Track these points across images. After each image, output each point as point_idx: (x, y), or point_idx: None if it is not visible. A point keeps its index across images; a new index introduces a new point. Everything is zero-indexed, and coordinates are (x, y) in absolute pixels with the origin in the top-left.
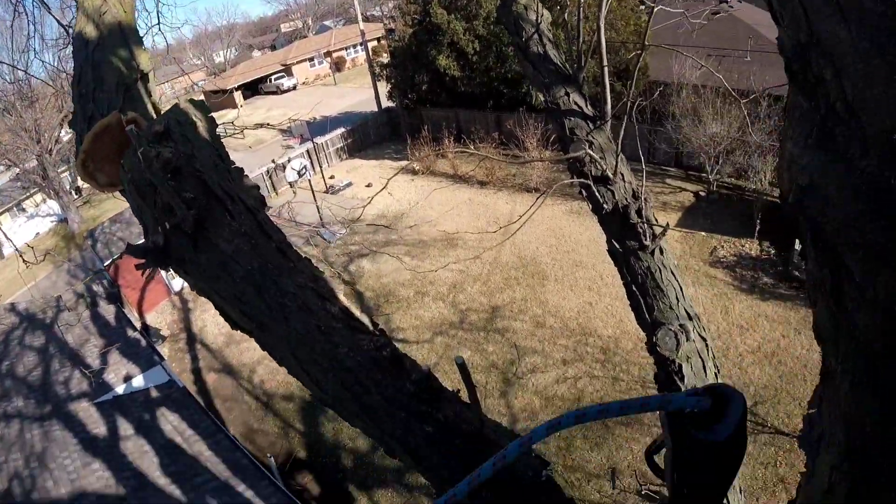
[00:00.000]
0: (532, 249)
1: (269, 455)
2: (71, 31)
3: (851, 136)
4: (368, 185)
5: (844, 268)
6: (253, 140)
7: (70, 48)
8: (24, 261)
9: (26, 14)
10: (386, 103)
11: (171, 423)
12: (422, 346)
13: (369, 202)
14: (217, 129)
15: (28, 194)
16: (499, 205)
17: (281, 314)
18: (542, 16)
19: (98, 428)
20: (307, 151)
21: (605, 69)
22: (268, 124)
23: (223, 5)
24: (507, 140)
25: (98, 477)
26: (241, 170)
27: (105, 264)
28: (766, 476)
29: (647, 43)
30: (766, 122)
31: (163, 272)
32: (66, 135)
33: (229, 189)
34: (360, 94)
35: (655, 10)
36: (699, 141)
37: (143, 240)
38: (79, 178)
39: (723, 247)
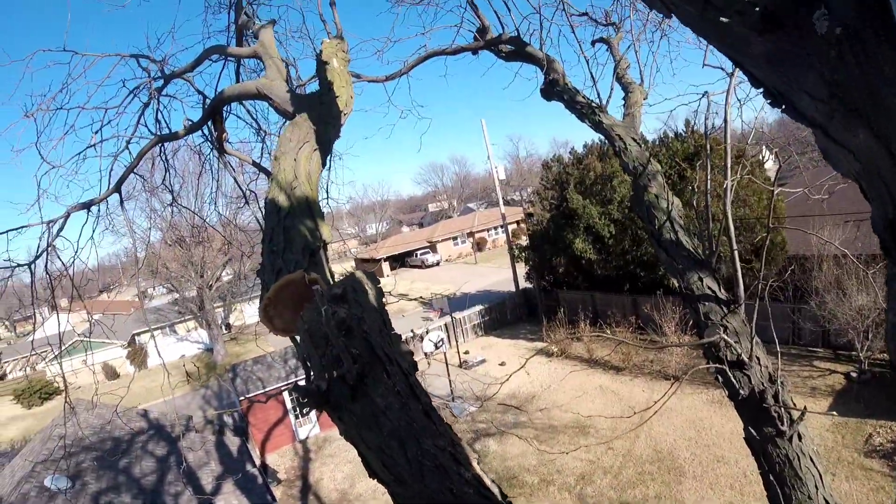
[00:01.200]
0: (669, 442)
1: None
2: (247, 191)
3: None
4: (502, 364)
5: None
6: (395, 308)
7: (242, 203)
8: (187, 374)
9: (212, 171)
10: (523, 284)
11: None
12: None
13: (506, 380)
14: (384, 298)
15: (182, 319)
16: (634, 392)
17: (419, 471)
18: (673, 203)
19: None
20: (445, 325)
21: (735, 253)
22: (420, 299)
23: (379, 182)
24: (645, 324)
25: None
26: (399, 336)
27: (240, 398)
28: None
29: (774, 224)
30: None
31: (291, 418)
32: (227, 276)
33: (389, 352)
34: (499, 273)
35: (777, 192)
36: (846, 316)
37: (304, 383)
38: (259, 319)
39: (878, 433)
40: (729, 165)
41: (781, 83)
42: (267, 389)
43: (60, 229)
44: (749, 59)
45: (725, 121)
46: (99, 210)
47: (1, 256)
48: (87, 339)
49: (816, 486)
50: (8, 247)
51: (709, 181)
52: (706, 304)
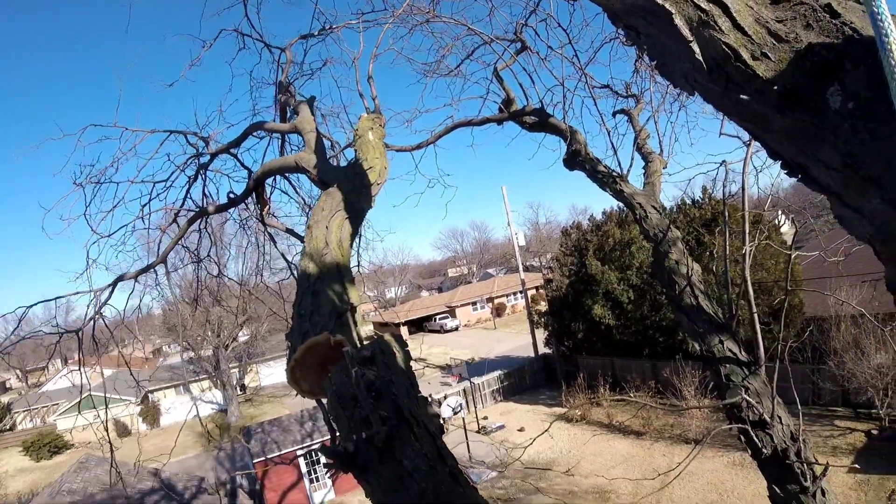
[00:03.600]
0: None
1: None
2: (292, 262)
3: None
4: (521, 430)
5: None
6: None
7: (288, 275)
8: (207, 433)
9: (257, 244)
10: (543, 349)
11: None
12: None
13: (529, 444)
14: (411, 361)
15: (197, 378)
16: (655, 457)
17: None
18: (693, 269)
19: None
20: (463, 390)
21: (755, 316)
22: (446, 366)
23: (398, 247)
24: (664, 388)
25: None
26: (427, 399)
27: (254, 461)
28: None
29: (791, 287)
30: None
31: (306, 482)
32: (244, 337)
33: (417, 414)
34: (518, 339)
35: (794, 255)
36: (864, 375)
37: (330, 444)
38: (287, 380)
39: None
40: (747, 231)
41: (798, 155)
42: (283, 452)
43: (108, 298)
44: (768, 133)
45: (743, 188)
46: (147, 280)
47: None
48: (106, 395)
49: None
50: (56, 313)
51: (727, 247)
52: (727, 366)
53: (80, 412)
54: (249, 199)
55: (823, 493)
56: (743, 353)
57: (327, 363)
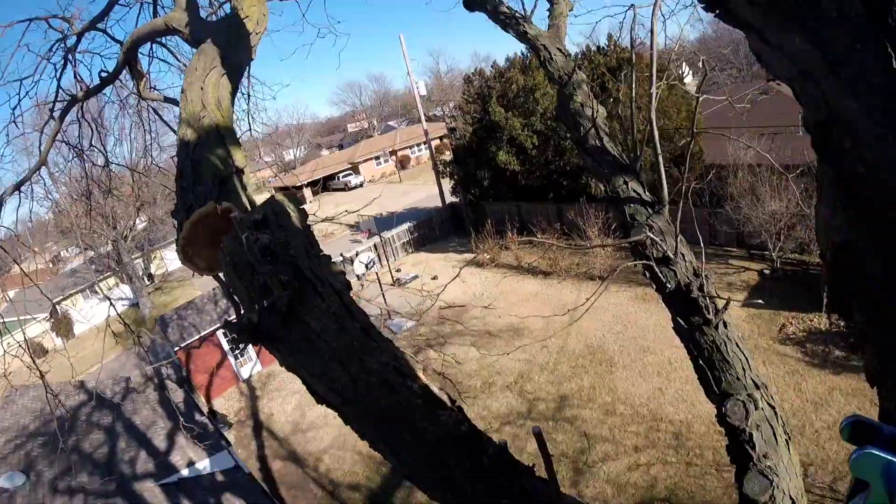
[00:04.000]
0: (598, 337)
1: None
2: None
3: (875, 193)
4: (434, 278)
5: (886, 318)
6: (323, 233)
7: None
8: (114, 334)
9: (142, 123)
10: (450, 199)
11: None
12: (490, 435)
13: (442, 291)
14: (308, 220)
15: (102, 277)
16: (564, 294)
17: (365, 389)
18: (598, 111)
19: None
20: (374, 246)
21: (660, 157)
22: (346, 213)
23: (292, 106)
24: (570, 230)
25: None
26: (329, 257)
27: (176, 349)
28: None
29: (696, 130)
30: None
31: (231, 360)
32: (141, 223)
33: (319, 273)
34: (425, 190)
35: (700, 98)
36: (759, 219)
37: (236, 318)
38: (180, 261)
39: (791, 323)
40: (654, 74)
41: None
42: (203, 334)
43: None
44: None
45: (652, 30)
46: (32, 190)
47: None
48: (21, 319)
49: (744, 369)
50: None
51: (633, 89)
52: (632, 206)
53: (4, 349)
54: (126, 75)
55: (725, 325)
56: (647, 193)
57: (220, 235)
